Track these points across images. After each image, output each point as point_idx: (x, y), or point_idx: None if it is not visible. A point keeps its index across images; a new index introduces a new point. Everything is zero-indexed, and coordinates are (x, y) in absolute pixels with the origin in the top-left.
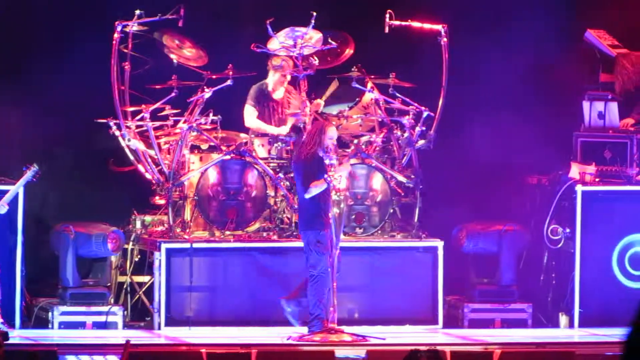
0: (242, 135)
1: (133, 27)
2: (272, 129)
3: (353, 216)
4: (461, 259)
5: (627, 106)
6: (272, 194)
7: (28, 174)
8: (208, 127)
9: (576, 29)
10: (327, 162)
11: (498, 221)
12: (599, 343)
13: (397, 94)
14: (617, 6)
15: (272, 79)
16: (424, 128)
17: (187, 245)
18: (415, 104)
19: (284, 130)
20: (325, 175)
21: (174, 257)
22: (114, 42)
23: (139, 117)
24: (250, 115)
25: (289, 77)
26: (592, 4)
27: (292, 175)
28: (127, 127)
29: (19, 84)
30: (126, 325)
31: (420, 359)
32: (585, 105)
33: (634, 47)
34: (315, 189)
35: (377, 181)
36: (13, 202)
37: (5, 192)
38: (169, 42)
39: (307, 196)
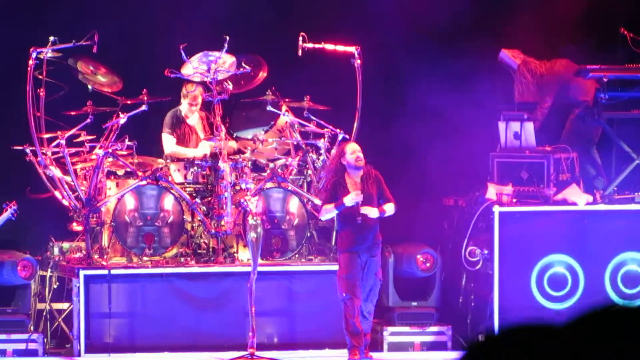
0: (159, 160)
1: (47, 53)
2: (192, 152)
3: (273, 240)
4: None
5: (548, 127)
6: (189, 219)
7: (8, 212)
8: (124, 152)
9: (492, 48)
10: (243, 186)
11: (417, 244)
12: None
13: (312, 117)
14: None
15: (183, 106)
16: None
17: (105, 271)
18: (331, 127)
19: (203, 151)
20: (242, 200)
21: (93, 284)
22: (28, 68)
23: (54, 143)
24: (169, 142)
25: (199, 102)
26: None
27: (208, 199)
28: (44, 154)
29: None
30: (46, 353)
31: None
32: (501, 125)
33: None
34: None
35: (294, 205)
36: None
37: None
38: (83, 68)
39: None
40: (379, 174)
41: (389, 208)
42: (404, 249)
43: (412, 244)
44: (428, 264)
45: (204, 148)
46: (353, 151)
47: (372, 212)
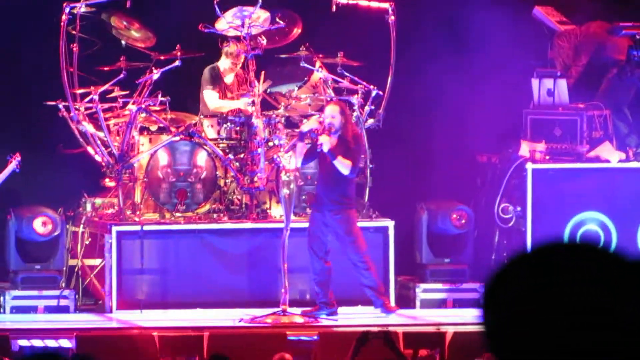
0: (192, 116)
1: (81, 8)
2: (237, 104)
3: (304, 197)
4: (413, 238)
5: (584, 84)
6: (222, 175)
7: (12, 164)
8: (157, 108)
9: (524, 5)
10: (276, 142)
11: (451, 201)
12: None
13: (346, 73)
14: None
15: (223, 63)
16: (373, 107)
17: (138, 227)
18: (364, 83)
19: (245, 103)
20: (275, 156)
21: (125, 240)
22: (61, 23)
23: (87, 99)
24: (212, 98)
25: (240, 63)
26: None
27: (241, 155)
28: (76, 109)
29: None
30: (78, 309)
31: (371, 340)
32: (534, 82)
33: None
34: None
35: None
36: None
37: None
38: (117, 24)
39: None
40: (360, 138)
41: (341, 160)
42: (437, 206)
43: (446, 201)
44: (462, 221)
45: (246, 100)
46: (325, 115)
47: (325, 143)
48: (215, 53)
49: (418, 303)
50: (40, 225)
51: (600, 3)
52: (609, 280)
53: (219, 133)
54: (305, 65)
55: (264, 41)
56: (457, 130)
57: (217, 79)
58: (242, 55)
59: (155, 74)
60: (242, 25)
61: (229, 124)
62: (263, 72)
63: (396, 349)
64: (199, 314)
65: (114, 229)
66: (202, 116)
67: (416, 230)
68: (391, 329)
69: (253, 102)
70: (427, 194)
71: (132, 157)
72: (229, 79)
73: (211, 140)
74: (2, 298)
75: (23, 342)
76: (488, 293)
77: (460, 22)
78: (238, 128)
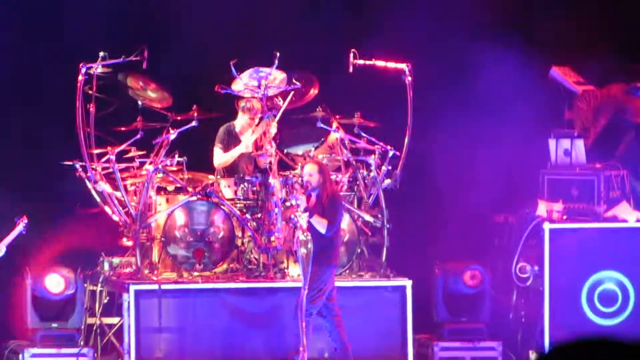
0: (209, 176)
1: (97, 69)
2: (237, 149)
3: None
4: (430, 297)
5: (601, 144)
6: (240, 234)
7: (19, 226)
8: (174, 168)
9: (542, 66)
10: (293, 202)
11: (466, 260)
12: None
13: (363, 134)
14: (583, 44)
15: (240, 120)
16: (390, 167)
17: (156, 286)
18: (381, 143)
19: (246, 144)
20: (292, 216)
21: (143, 299)
22: (78, 84)
23: (104, 159)
24: (217, 155)
25: (257, 119)
26: (556, 42)
27: (259, 215)
28: (94, 169)
29: None
30: None
31: None
32: (551, 142)
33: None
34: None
35: (345, 221)
36: None
37: None
38: (133, 84)
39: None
40: (337, 197)
41: (318, 219)
42: (452, 266)
43: (461, 260)
44: (475, 280)
45: (246, 142)
46: (303, 174)
47: (302, 203)
48: (232, 113)
49: None
50: (54, 284)
51: (617, 63)
52: None
53: (236, 193)
54: (322, 125)
55: (280, 102)
56: (474, 189)
57: (229, 138)
58: (257, 109)
59: (172, 134)
60: (259, 86)
61: (246, 184)
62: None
63: None
64: None
65: (132, 287)
66: (219, 176)
67: (432, 289)
68: None
69: (270, 163)
70: (445, 253)
71: (150, 216)
72: (246, 136)
73: (228, 200)
74: (21, 356)
75: None
76: None
77: (478, 82)
78: (255, 188)
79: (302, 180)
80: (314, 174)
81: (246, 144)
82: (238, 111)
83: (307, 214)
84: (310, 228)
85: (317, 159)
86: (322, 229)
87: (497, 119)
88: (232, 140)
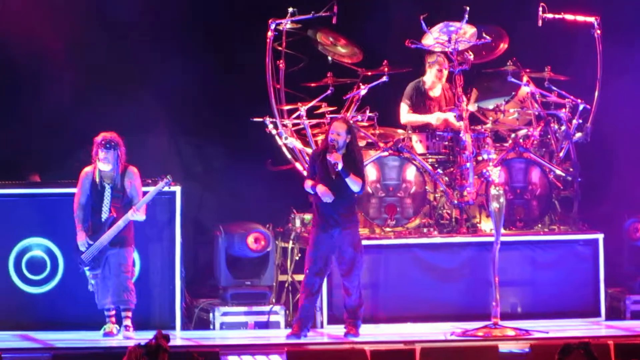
0: (400, 131)
1: (286, 25)
2: (427, 118)
3: (515, 210)
4: (622, 250)
5: None
6: (432, 189)
7: (160, 184)
8: (365, 124)
9: None
10: (485, 156)
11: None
12: None
13: (553, 87)
14: None
15: (429, 76)
16: (580, 121)
17: None
18: (571, 97)
19: (437, 118)
20: (484, 170)
21: None
22: (268, 40)
23: (295, 115)
24: (403, 111)
25: (445, 73)
26: None
27: (450, 170)
28: (284, 125)
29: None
30: (289, 325)
31: (574, 352)
32: None
33: None
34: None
35: (536, 175)
36: (170, 204)
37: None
38: (323, 40)
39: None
40: (358, 156)
41: (353, 178)
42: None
43: None
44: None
45: (438, 116)
46: (332, 131)
47: (325, 198)
48: (422, 68)
49: (629, 314)
50: (253, 242)
51: None
52: None
53: (427, 148)
54: (513, 80)
55: (471, 56)
56: None
57: (418, 95)
58: (444, 63)
59: (363, 90)
60: (449, 41)
61: (437, 138)
62: (474, 90)
63: None
64: (410, 328)
65: None
66: (410, 131)
67: (623, 241)
68: (602, 340)
69: (461, 117)
70: (636, 207)
71: None
72: (435, 91)
73: (420, 155)
74: (212, 314)
75: (233, 358)
76: None
77: None
78: (446, 143)
79: (330, 141)
80: (342, 133)
81: (437, 117)
82: (426, 68)
83: (498, 168)
84: (338, 188)
85: (346, 117)
86: (357, 187)
87: None
88: (420, 97)
